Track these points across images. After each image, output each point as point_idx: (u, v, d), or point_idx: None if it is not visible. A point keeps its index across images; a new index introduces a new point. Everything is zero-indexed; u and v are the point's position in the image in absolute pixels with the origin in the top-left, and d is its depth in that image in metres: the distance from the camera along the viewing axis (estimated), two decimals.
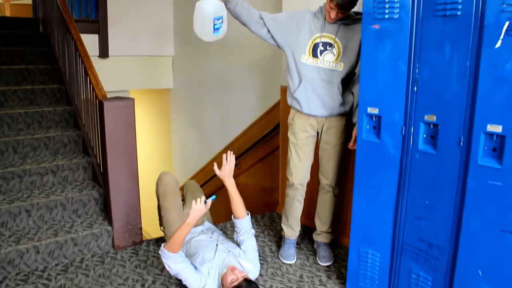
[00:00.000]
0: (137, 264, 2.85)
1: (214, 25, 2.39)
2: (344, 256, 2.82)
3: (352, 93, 2.62)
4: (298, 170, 2.73)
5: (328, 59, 2.52)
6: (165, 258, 2.35)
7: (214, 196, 2.44)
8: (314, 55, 2.52)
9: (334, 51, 2.51)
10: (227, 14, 2.47)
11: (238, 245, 2.59)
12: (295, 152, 2.72)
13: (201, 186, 3.88)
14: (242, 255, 2.51)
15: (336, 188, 2.79)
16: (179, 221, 2.60)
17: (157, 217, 3.08)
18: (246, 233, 2.56)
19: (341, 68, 2.52)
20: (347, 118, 2.67)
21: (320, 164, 2.78)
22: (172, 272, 2.39)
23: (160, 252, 2.37)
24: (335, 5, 2.37)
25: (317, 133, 2.70)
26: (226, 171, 2.51)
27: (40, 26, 4.88)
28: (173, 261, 2.34)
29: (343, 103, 2.59)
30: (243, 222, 2.56)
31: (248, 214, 2.59)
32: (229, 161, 2.51)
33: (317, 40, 2.51)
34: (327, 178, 2.76)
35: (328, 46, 2.51)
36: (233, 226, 2.65)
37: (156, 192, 2.98)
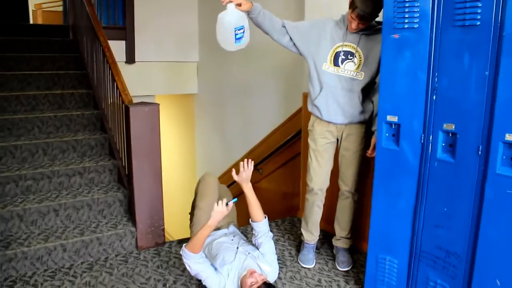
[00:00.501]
0: (159, 264, 2.93)
1: (236, 35, 2.45)
2: (363, 262, 2.83)
3: (372, 102, 2.65)
4: (318, 176, 2.77)
5: (349, 68, 2.55)
6: (186, 258, 2.42)
7: (235, 199, 2.52)
8: (336, 63, 2.56)
9: (355, 60, 2.54)
10: (249, 22, 2.54)
11: (257, 248, 2.64)
12: (315, 158, 2.76)
13: None
14: (261, 258, 2.56)
15: (355, 194, 2.82)
16: None
17: (180, 219, 3.15)
18: (264, 236, 2.62)
19: (362, 77, 2.55)
20: (367, 126, 2.69)
21: (340, 171, 2.81)
22: (193, 272, 2.45)
23: (181, 252, 2.45)
24: (356, 16, 2.41)
25: (337, 139, 2.73)
26: (244, 176, 2.57)
27: (70, 33, 5.05)
28: (194, 261, 2.41)
29: (362, 111, 2.63)
30: (261, 225, 2.62)
31: (265, 217, 2.65)
32: (247, 168, 2.57)
33: (339, 49, 2.55)
34: (347, 184, 2.79)
35: (349, 55, 2.54)
36: None
37: (196, 189, 3.08)
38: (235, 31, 2.44)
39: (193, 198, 3.15)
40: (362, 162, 2.76)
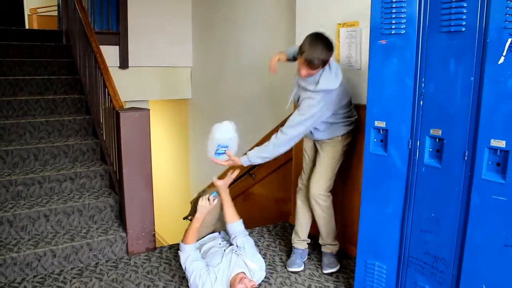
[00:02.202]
0: (150, 270, 2.92)
1: (217, 149, 2.63)
2: (353, 267, 2.82)
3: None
4: (305, 173, 2.91)
5: None
6: (181, 251, 2.62)
7: (215, 193, 2.74)
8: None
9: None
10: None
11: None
12: (305, 156, 2.91)
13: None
14: (247, 254, 2.62)
15: (321, 202, 2.80)
16: (203, 229, 2.86)
17: (173, 223, 3.17)
18: (241, 235, 2.74)
19: None
20: (341, 138, 2.74)
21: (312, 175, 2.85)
22: (183, 263, 2.57)
23: (179, 247, 2.66)
24: (304, 60, 2.41)
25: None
26: (223, 182, 2.79)
27: (63, 38, 5.05)
28: (187, 252, 2.59)
29: (330, 133, 2.71)
30: (237, 225, 2.77)
31: (240, 218, 2.80)
32: (229, 177, 2.79)
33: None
34: (310, 187, 2.82)
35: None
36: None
37: (201, 194, 3.10)
38: (217, 147, 2.61)
39: (193, 200, 3.19)
40: (328, 170, 2.78)
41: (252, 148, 2.71)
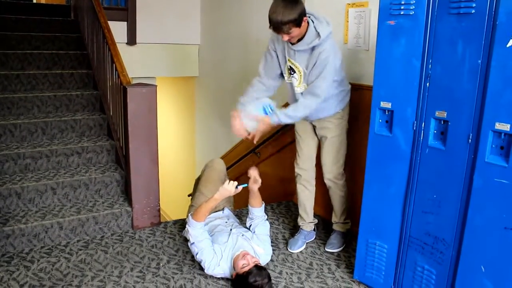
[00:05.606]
0: (154, 244, 2.97)
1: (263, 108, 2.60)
2: (355, 246, 2.84)
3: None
4: (299, 156, 2.90)
5: (295, 83, 2.59)
6: (190, 225, 2.59)
7: (245, 184, 2.66)
8: (290, 73, 2.61)
9: (296, 76, 2.55)
10: None
11: (250, 229, 2.75)
12: (297, 140, 2.89)
13: None
14: (255, 239, 2.65)
15: (338, 181, 2.85)
16: None
17: (178, 200, 3.20)
18: (260, 219, 2.76)
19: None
20: (342, 114, 2.73)
21: (321, 158, 2.85)
22: (192, 240, 2.58)
23: (187, 219, 2.66)
24: (274, 29, 2.32)
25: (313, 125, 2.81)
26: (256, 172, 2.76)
27: (71, 13, 5.04)
28: (196, 230, 2.56)
29: (323, 110, 2.64)
30: (259, 211, 2.78)
31: (263, 203, 2.79)
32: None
33: (289, 63, 2.56)
34: (326, 171, 2.84)
35: (291, 71, 2.57)
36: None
37: (202, 172, 3.18)
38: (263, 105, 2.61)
39: (195, 179, 3.20)
40: (341, 147, 2.79)
41: None
